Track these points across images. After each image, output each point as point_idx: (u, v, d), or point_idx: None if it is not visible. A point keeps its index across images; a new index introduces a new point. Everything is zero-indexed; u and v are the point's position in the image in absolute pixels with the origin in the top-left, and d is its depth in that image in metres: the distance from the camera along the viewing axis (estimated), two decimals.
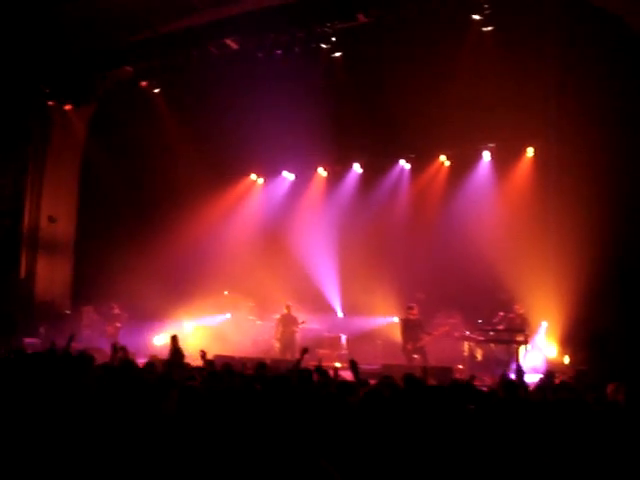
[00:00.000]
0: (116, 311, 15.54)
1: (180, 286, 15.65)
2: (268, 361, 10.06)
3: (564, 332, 12.31)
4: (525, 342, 11.75)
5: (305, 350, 8.05)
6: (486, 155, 14.85)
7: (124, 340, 12.95)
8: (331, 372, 7.63)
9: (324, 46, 13.58)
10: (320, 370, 6.95)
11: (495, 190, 14.46)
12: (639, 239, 11.43)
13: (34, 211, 16.95)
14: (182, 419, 4.34)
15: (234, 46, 14.14)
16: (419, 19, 12.64)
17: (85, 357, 7.26)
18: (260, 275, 15.62)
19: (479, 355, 12.50)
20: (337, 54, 13.76)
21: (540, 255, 12.49)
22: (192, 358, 10.44)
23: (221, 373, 7.19)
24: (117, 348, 8.42)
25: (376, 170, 16.20)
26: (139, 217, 16.69)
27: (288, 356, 13.59)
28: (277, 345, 14.49)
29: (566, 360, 12.05)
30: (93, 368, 6.85)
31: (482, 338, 12.38)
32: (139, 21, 13.91)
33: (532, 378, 8.55)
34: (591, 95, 11.67)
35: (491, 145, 14.78)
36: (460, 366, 12.45)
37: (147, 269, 15.18)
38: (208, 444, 3.66)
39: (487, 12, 12.28)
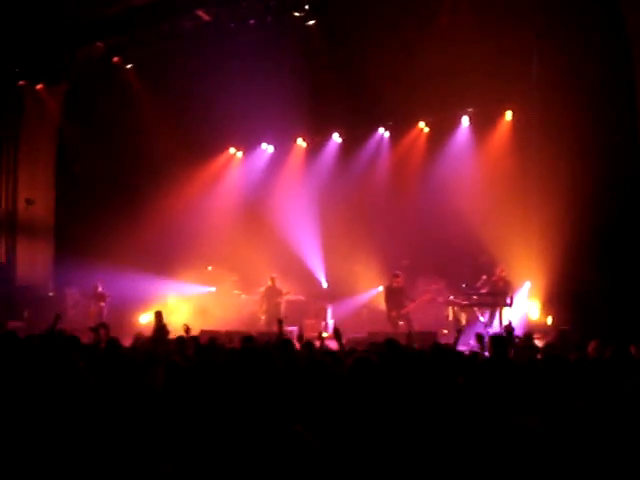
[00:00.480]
0: (100, 290, 15.45)
1: (163, 263, 15.60)
2: (254, 334, 10.08)
3: (546, 293, 12.47)
4: (509, 304, 11.90)
5: (281, 321, 8.05)
6: (465, 120, 14.82)
7: (110, 320, 12.96)
8: (317, 342, 7.66)
9: (297, 14, 13.38)
10: (302, 339, 6.98)
11: (475, 155, 14.46)
12: (618, 199, 11.52)
13: (10, 194, 16.72)
14: (169, 395, 4.34)
15: (206, 17, 13.87)
16: None
17: (70, 337, 7.20)
18: (243, 249, 15.59)
19: (463, 319, 12.60)
20: (311, 22, 13.57)
21: (521, 218, 12.58)
22: (177, 334, 10.41)
23: (207, 347, 7.19)
24: (98, 326, 8.35)
25: (356, 139, 16.10)
26: (119, 195, 16.51)
27: (274, 328, 13.60)
28: (263, 318, 14.53)
29: (549, 321, 12.22)
30: (79, 347, 6.81)
31: (466, 302, 12.47)
32: None
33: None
34: (569, 58, 11.69)
35: (470, 110, 14.74)
36: (445, 331, 12.58)
37: (129, 247, 15.06)
38: (195, 419, 3.67)
39: None
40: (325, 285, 15.88)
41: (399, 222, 14.41)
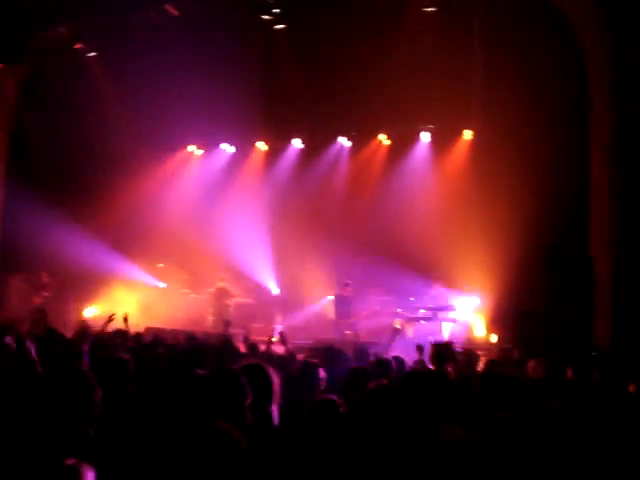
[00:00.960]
0: (45, 280, 15.11)
1: (113, 256, 15.34)
2: (200, 334, 10.00)
3: (492, 313, 12.69)
4: (453, 319, 12.09)
5: (228, 322, 8.04)
6: (425, 136, 15.01)
7: (54, 310, 12.65)
8: (263, 346, 7.64)
9: (265, 17, 13.38)
10: (247, 341, 6.96)
11: (433, 171, 14.64)
12: (566, 226, 11.82)
13: None
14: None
15: (174, 12, 13.76)
16: None
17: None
18: (195, 248, 15.46)
19: (410, 332, 12.72)
20: (279, 26, 13.59)
21: (474, 235, 12.78)
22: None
23: (150, 344, 7.11)
24: (35, 312, 8.17)
25: (316, 147, 16.13)
26: (72, 185, 16.13)
27: (221, 330, 13.53)
28: (210, 318, 14.43)
29: (493, 339, 12.43)
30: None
31: (413, 316, 12.61)
32: None
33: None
34: (527, 83, 11.96)
35: (431, 126, 14.94)
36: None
37: (80, 238, 14.78)
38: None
39: None
40: (276, 291, 15.82)
41: (353, 232, 14.47)
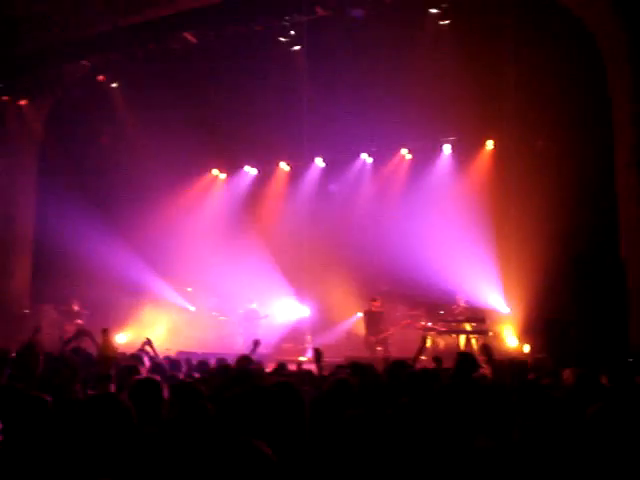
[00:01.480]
0: (76, 308, 15.28)
1: (142, 283, 15.49)
2: (231, 358, 9.97)
3: (524, 322, 12.52)
4: (485, 332, 11.94)
5: (257, 342, 8.01)
6: (447, 148, 14.99)
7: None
8: (294, 366, 7.63)
9: (283, 39, 13.52)
10: (280, 365, 6.93)
11: (456, 182, 14.60)
12: (595, 232, 11.68)
13: None
14: None
15: (192, 40, 13.97)
16: (378, 12, 12.68)
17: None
18: (224, 271, 15.51)
19: (442, 346, 12.62)
20: (296, 48, 13.71)
21: (501, 247, 12.68)
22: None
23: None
24: (77, 334, 8.19)
25: (338, 164, 16.22)
26: (100, 214, 16.37)
27: (250, 350, 13.50)
28: (240, 340, 14.43)
29: (526, 349, 12.26)
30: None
31: (444, 329, 12.50)
32: (96, 14, 13.66)
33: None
34: (548, 89, 11.90)
35: (452, 138, 14.92)
36: (423, 357, 12.54)
37: (109, 266, 14.96)
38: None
39: (444, 6, 12.43)
40: (305, 309, 15.73)
41: (380, 248, 14.42)
